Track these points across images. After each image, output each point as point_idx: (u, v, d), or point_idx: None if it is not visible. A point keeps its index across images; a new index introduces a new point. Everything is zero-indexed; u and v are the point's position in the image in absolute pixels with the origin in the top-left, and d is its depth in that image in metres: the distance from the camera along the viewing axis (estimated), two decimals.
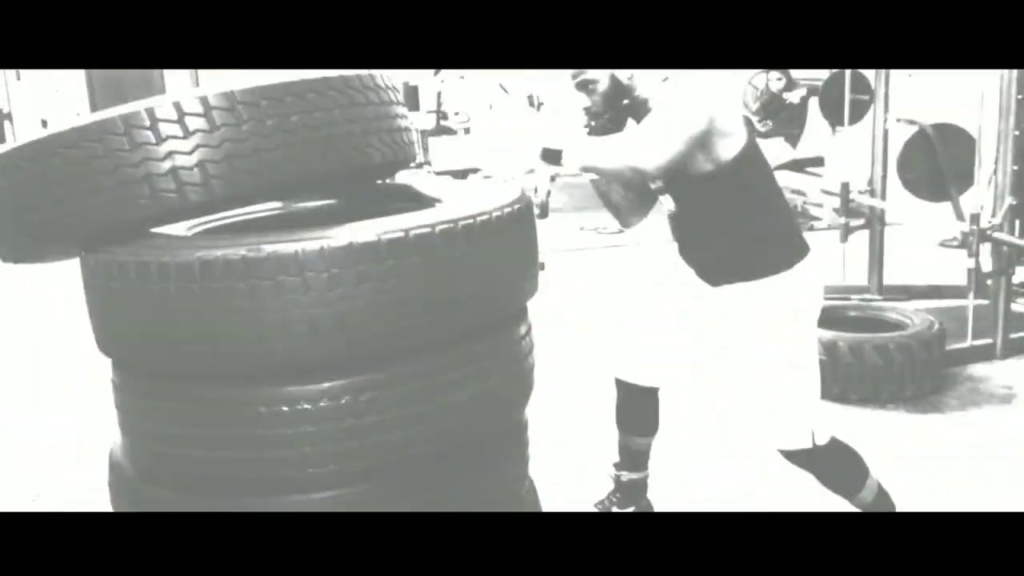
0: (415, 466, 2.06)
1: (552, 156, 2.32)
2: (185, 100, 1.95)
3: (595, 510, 3.05)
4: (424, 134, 9.67)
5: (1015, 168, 4.51)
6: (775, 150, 8.12)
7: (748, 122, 2.45)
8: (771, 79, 8.40)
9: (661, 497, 3.20)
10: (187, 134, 1.93)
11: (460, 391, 2.08)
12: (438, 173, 7.50)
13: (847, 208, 5.56)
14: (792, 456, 2.51)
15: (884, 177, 5.53)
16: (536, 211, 2.39)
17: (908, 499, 2.76)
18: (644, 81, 2.46)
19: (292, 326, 1.86)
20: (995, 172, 4.66)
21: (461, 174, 7.44)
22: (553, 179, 8.80)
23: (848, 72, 5.76)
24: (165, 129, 1.93)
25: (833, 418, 3.81)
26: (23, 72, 12.47)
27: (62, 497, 3.56)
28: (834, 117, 7.41)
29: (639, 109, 2.46)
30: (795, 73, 8.59)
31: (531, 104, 9.29)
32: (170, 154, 1.93)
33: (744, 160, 2.37)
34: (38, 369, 5.11)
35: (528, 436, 2.44)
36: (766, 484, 3.31)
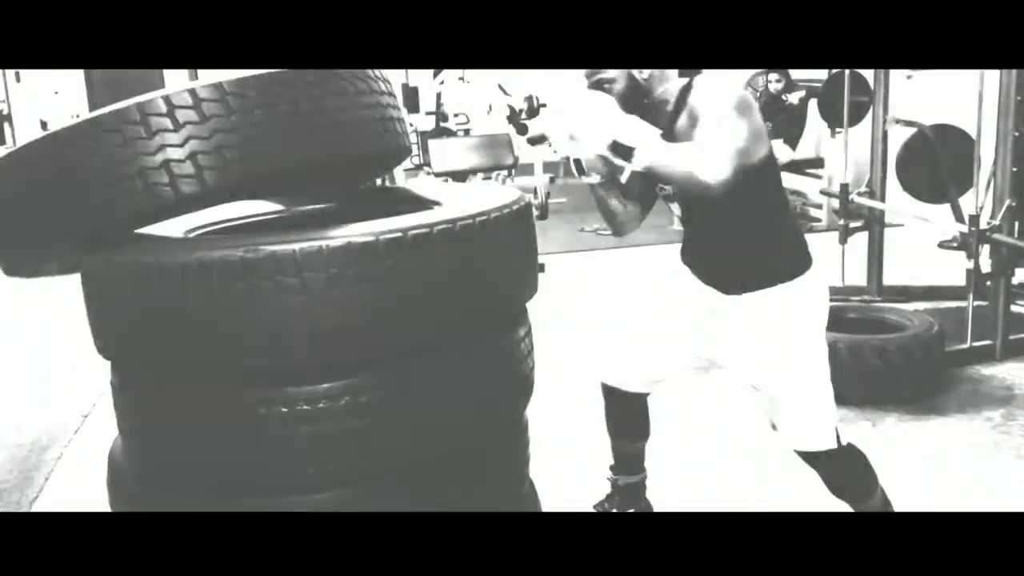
0: (415, 467, 2.06)
1: (623, 152, 2.24)
2: (174, 94, 1.95)
3: (594, 512, 3.05)
4: (424, 135, 9.68)
5: (1014, 169, 4.51)
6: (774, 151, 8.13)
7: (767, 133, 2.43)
8: (770, 80, 8.42)
9: (661, 497, 3.21)
10: (177, 127, 1.93)
11: (460, 392, 2.08)
12: (437, 174, 7.50)
13: (846, 209, 5.57)
14: (814, 458, 2.49)
15: (883, 179, 5.54)
16: (536, 212, 2.38)
17: (908, 499, 2.76)
18: (662, 81, 2.44)
19: (291, 327, 1.86)
20: (994, 173, 4.67)
21: (461, 176, 7.44)
22: (553, 180, 8.82)
23: (847, 73, 5.77)
24: (155, 123, 1.93)
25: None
26: (23, 74, 12.47)
27: (62, 498, 3.56)
28: (833, 119, 7.44)
29: (658, 111, 2.41)
30: (794, 74, 8.61)
31: (532, 105, 9.30)
32: (161, 147, 1.93)
33: (766, 167, 2.37)
34: (39, 369, 5.11)
35: (528, 437, 2.44)
36: (766, 484, 3.32)
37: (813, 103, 8.16)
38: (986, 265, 4.69)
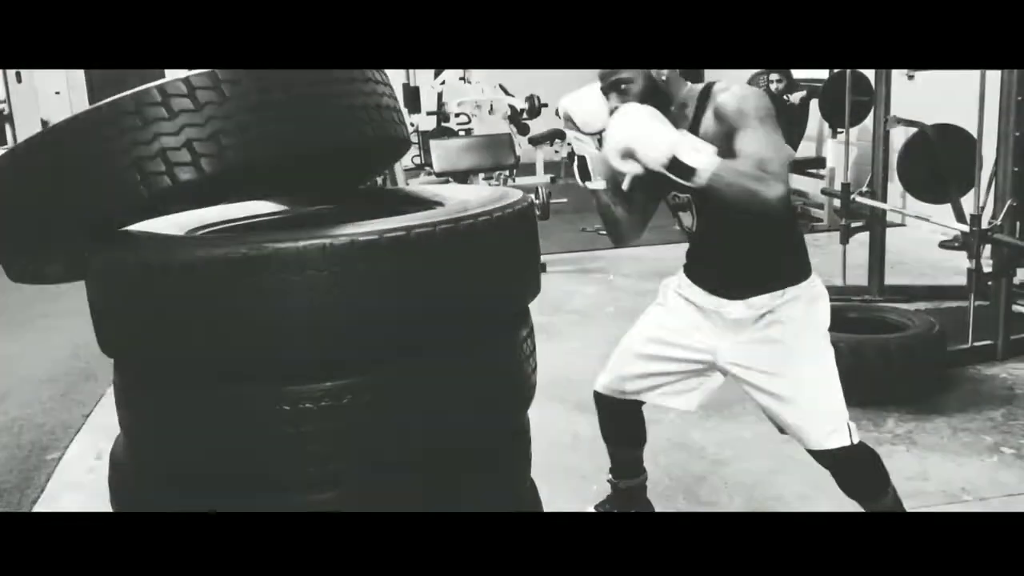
0: (416, 467, 2.06)
1: (683, 171, 2.18)
2: (168, 83, 1.95)
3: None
4: (425, 135, 9.68)
5: (1015, 169, 4.51)
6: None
7: None
8: (772, 80, 8.42)
9: (661, 497, 3.21)
10: (172, 115, 1.93)
11: (462, 391, 2.08)
12: (439, 174, 7.49)
13: (847, 209, 5.57)
14: (828, 456, 2.48)
15: (884, 178, 5.54)
16: (537, 212, 2.37)
17: (908, 500, 2.75)
18: (679, 84, 2.43)
19: (294, 324, 1.86)
20: (995, 173, 4.67)
21: (462, 176, 7.44)
22: (554, 180, 8.82)
23: (849, 73, 5.76)
24: (150, 112, 1.93)
25: None
26: (24, 74, 12.48)
27: (63, 499, 3.56)
28: (834, 119, 7.44)
29: (676, 116, 2.40)
30: (796, 74, 8.61)
31: (533, 106, 9.30)
32: (157, 136, 1.93)
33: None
34: (40, 369, 5.11)
35: (530, 438, 2.44)
36: (767, 484, 3.32)
37: (814, 103, 8.17)
38: (987, 265, 4.69)
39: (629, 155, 2.20)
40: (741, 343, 2.52)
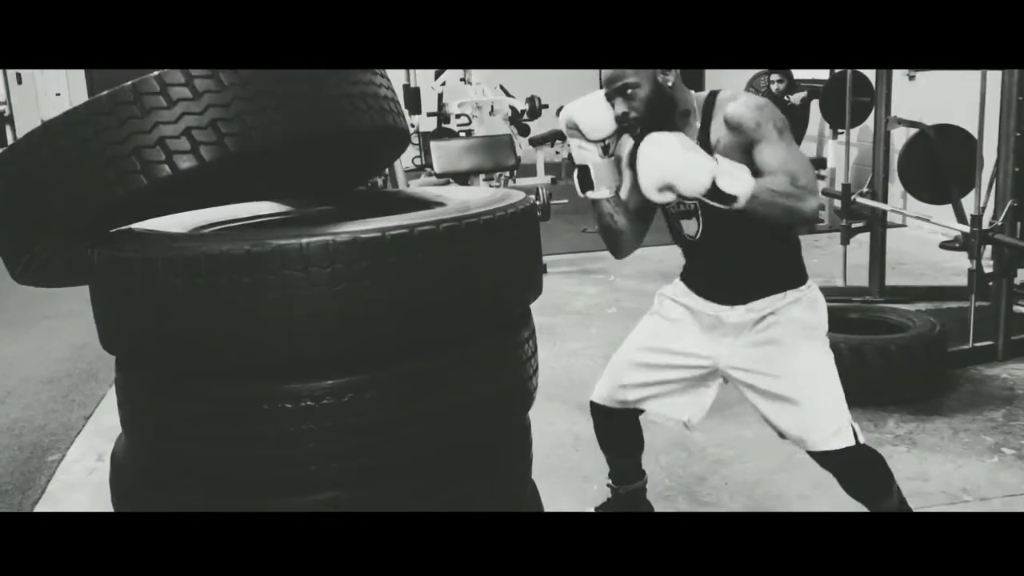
0: (417, 466, 2.06)
1: (722, 198, 2.15)
2: (167, 72, 1.96)
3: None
4: (425, 136, 9.69)
5: (1016, 170, 4.51)
6: None
7: None
8: (772, 81, 8.42)
9: (662, 498, 3.21)
10: (171, 104, 1.94)
11: (464, 391, 2.08)
12: (439, 175, 7.49)
13: (848, 210, 5.57)
14: (830, 458, 2.47)
15: (885, 179, 5.54)
16: (538, 213, 2.37)
17: (908, 501, 2.75)
18: (682, 90, 2.41)
19: (296, 321, 1.87)
20: (996, 174, 4.67)
21: (462, 177, 7.44)
22: (555, 181, 8.82)
23: (849, 74, 5.77)
24: (149, 101, 1.94)
25: None
26: (24, 76, 12.50)
27: (64, 500, 3.56)
28: (835, 119, 7.44)
29: (679, 122, 2.40)
30: (796, 75, 8.61)
31: (534, 107, 9.30)
32: (156, 125, 1.94)
33: None
34: (42, 370, 5.11)
35: (531, 439, 2.44)
36: (768, 484, 3.32)
37: (815, 104, 8.17)
38: (988, 266, 4.69)
39: (668, 188, 2.18)
40: (741, 346, 2.52)
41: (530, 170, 9.25)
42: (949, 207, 5.30)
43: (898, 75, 6.39)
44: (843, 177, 5.75)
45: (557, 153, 9.89)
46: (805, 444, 2.50)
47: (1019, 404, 4.03)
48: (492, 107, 9.56)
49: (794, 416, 2.48)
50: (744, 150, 2.30)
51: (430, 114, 10.31)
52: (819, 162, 8.58)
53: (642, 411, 2.77)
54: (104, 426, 4.12)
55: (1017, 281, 4.85)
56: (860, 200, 5.50)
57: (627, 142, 2.56)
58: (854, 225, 5.57)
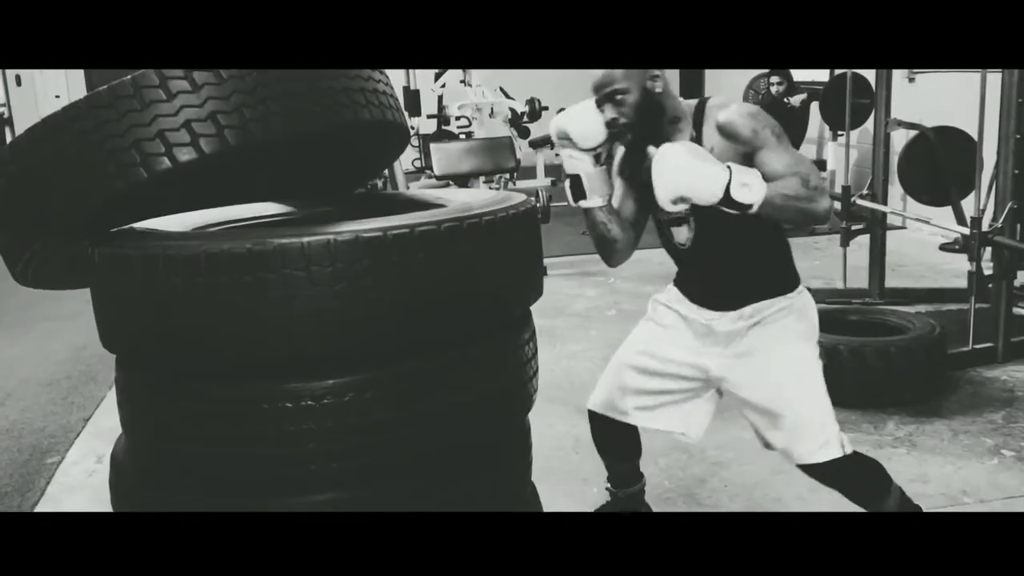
0: (417, 466, 2.06)
1: (737, 206, 2.16)
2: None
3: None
4: (425, 138, 9.69)
5: (1016, 172, 4.51)
6: None
7: None
8: (772, 83, 8.42)
9: (661, 500, 3.21)
10: (170, 96, 1.95)
11: (464, 391, 2.08)
12: (439, 177, 7.49)
13: (848, 212, 5.57)
14: (818, 470, 2.47)
15: (885, 181, 5.54)
16: (538, 215, 2.37)
17: None
18: (670, 96, 2.41)
19: (297, 320, 1.87)
20: (996, 176, 4.67)
21: (463, 179, 7.44)
22: (555, 183, 8.81)
23: (849, 75, 5.77)
24: (148, 95, 1.95)
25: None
26: (24, 78, 12.50)
27: (63, 502, 3.56)
28: (835, 121, 7.45)
29: (668, 129, 2.41)
30: (796, 77, 8.62)
31: (534, 109, 9.30)
32: (156, 118, 1.94)
33: None
34: (42, 372, 5.11)
35: (530, 440, 2.44)
36: (767, 485, 3.31)
37: (815, 106, 8.17)
38: (988, 268, 4.69)
39: (682, 200, 2.19)
40: (729, 357, 2.52)
41: (530, 172, 9.25)
42: (949, 209, 5.30)
43: (898, 77, 6.39)
44: (843, 179, 5.75)
45: (557, 155, 9.86)
46: (791, 457, 2.50)
47: (1019, 406, 4.03)
48: (492, 109, 9.56)
49: (779, 429, 2.48)
50: (742, 157, 2.30)
51: (430, 116, 10.32)
52: (819, 164, 8.58)
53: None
54: (103, 428, 4.12)
55: (1017, 283, 4.85)
56: (860, 202, 5.50)
57: (619, 150, 2.57)
58: (854, 227, 5.57)
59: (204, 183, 2.17)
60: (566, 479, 3.42)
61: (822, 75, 8.67)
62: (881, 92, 5.48)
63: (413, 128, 9.36)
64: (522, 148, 8.84)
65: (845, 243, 5.56)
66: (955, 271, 6.09)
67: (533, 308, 2.35)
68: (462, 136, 9.57)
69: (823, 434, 2.44)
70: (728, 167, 2.17)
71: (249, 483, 1.99)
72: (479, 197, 2.29)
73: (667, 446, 3.61)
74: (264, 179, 2.49)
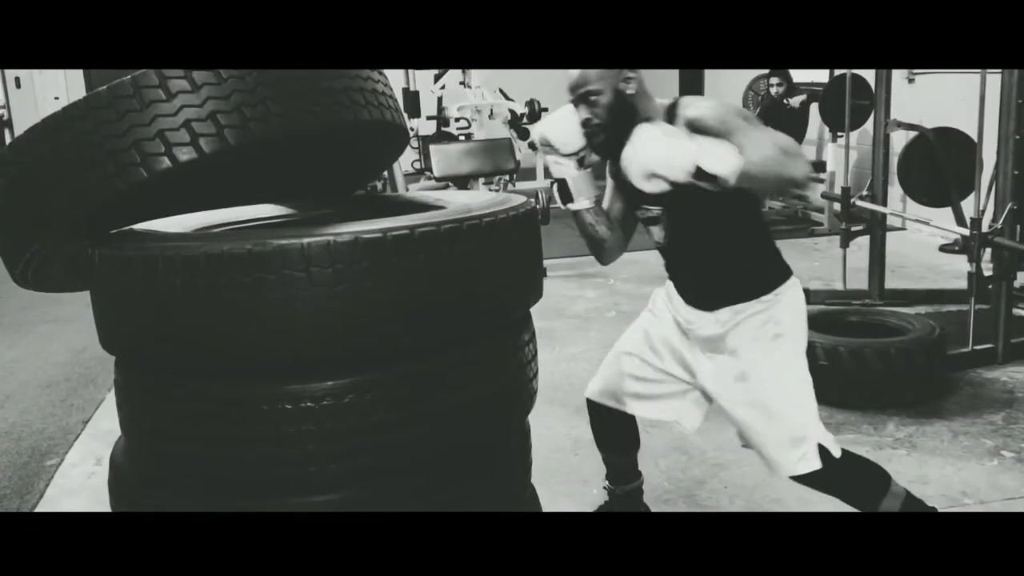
0: (417, 468, 2.06)
1: (710, 179, 2.16)
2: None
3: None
4: (425, 140, 9.68)
5: (1016, 172, 4.51)
6: None
7: None
8: (772, 84, 8.42)
9: (661, 501, 3.20)
10: (170, 96, 1.95)
11: (464, 393, 2.08)
12: (439, 179, 7.49)
13: (848, 213, 5.57)
14: (803, 479, 2.47)
15: (884, 182, 5.54)
16: (538, 217, 2.37)
17: None
18: (646, 99, 2.43)
19: (297, 321, 1.87)
20: (996, 177, 4.66)
21: (462, 180, 7.44)
22: (554, 188, 8.80)
23: (848, 76, 5.77)
24: (148, 95, 1.95)
25: (834, 423, 3.81)
26: (23, 80, 12.50)
27: (62, 504, 3.56)
28: (834, 122, 7.44)
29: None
30: (796, 78, 8.62)
31: (533, 110, 9.29)
32: (155, 118, 1.94)
33: None
34: (41, 374, 5.10)
35: (530, 442, 2.44)
36: (767, 487, 3.31)
37: (814, 107, 8.17)
38: (988, 269, 4.68)
39: (654, 175, 2.19)
40: (708, 363, 2.54)
41: (530, 174, 9.25)
42: (949, 210, 5.30)
43: (897, 78, 6.38)
44: (842, 180, 5.75)
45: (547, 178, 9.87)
46: (773, 470, 2.51)
47: (1019, 407, 4.03)
48: (491, 111, 9.55)
49: (759, 443, 2.50)
50: None
51: (429, 118, 10.31)
52: (819, 165, 8.58)
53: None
54: (103, 430, 4.11)
55: (1017, 284, 4.85)
56: (859, 203, 5.50)
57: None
58: (854, 228, 5.57)
59: (204, 183, 2.16)
60: (566, 480, 3.42)
61: (822, 76, 8.67)
62: (881, 93, 5.47)
63: (413, 129, 9.36)
64: (521, 150, 8.83)
65: (845, 244, 5.56)
66: (955, 272, 6.09)
67: (533, 310, 2.34)
68: (461, 138, 9.56)
69: (799, 449, 2.43)
70: (698, 140, 2.19)
71: (248, 485, 1.99)
72: (479, 199, 2.30)
73: (667, 447, 3.61)
74: (263, 179, 2.49)
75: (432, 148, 7.69)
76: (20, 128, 12.10)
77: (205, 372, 1.98)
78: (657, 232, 2.56)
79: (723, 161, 2.15)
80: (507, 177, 7.89)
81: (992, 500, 3.22)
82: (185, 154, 1.94)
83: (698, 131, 2.30)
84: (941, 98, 6.54)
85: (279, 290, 1.84)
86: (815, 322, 4.22)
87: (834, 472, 2.44)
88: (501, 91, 9.98)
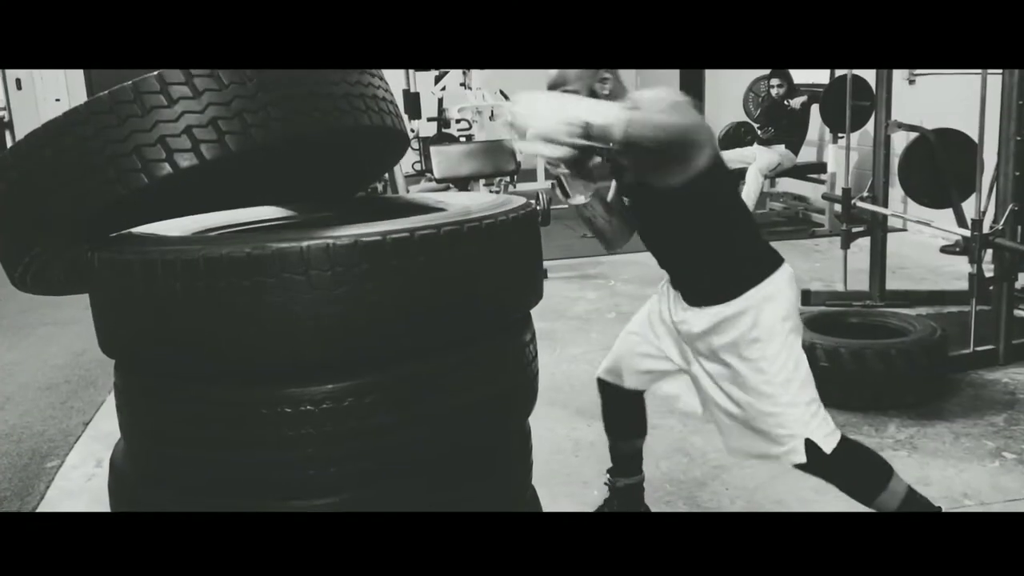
0: (417, 470, 2.05)
1: (600, 133, 2.15)
2: (168, 71, 1.97)
3: None
4: (425, 141, 9.68)
5: (1017, 174, 4.50)
6: (776, 156, 8.13)
7: (712, 136, 2.45)
8: (772, 85, 8.42)
9: (662, 502, 3.20)
10: (171, 102, 1.94)
11: (464, 395, 2.08)
12: (439, 180, 7.48)
13: (848, 214, 5.57)
14: (807, 468, 2.49)
15: (885, 183, 5.53)
16: (539, 218, 2.38)
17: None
18: (619, 98, 2.44)
19: (296, 324, 1.86)
20: (997, 178, 4.66)
21: (463, 182, 7.43)
22: (554, 187, 8.80)
23: (849, 77, 5.76)
24: (149, 100, 1.95)
25: (835, 424, 3.81)
26: (24, 81, 12.49)
27: (63, 507, 3.56)
28: (835, 123, 7.44)
29: None
30: (796, 79, 8.61)
31: None
32: (156, 123, 1.94)
33: (711, 174, 2.39)
34: (41, 376, 5.10)
35: (531, 444, 2.44)
36: (768, 488, 3.31)
37: (815, 108, 8.16)
38: (989, 270, 4.68)
39: (543, 139, 2.19)
40: (697, 368, 2.59)
41: (530, 175, 9.25)
42: (950, 211, 5.29)
43: (898, 79, 6.38)
44: (843, 181, 5.75)
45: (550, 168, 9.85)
46: (773, 459, 2.54)
47: (1020, 408, 4.02)
48: (492, 112, 9.55)
49: (751, 431, 2.53)
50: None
51: (430, 119, 10.30)
52: (819, 166, 8.57)
53: (644, 390, 2.85)
54: (103, 432, 4.11)
55: (1018, 285, 4.85)
56: (860, 204, 5.50)
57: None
58: (854, 229, 5.56)
59: (205, 188, 2.16)
60: (566, 482, 3.41)
61: (822, 77, 8.66)
62: (881, 94, 5.47)
63: (413, 131, 9.35)
64: (522, 151, 8.82)
65: (846, 245, 5.56)
66: (956, 273, 6.08)
67: (533, 311, 2.34)
68: (462, 139, 9.56)
69: (783, 446, 2.47)
70: (592, 100, 2.26)
71: (248, 488, 1.98)
72: (479, 200, 2.29)
73: (668, 449, 3.61)
74: (264, 184, 2.48)
75: (433, 149, 7.68)
76: (21, 129, 12.10)
77: (205, 376, 1.98)
78: (636, 225, 2.62)
79: (606, 114, 2.17)
80: (508, 178, 7.88)
81: (993, 502, 3.21)
82: (186, 160, 1.94)
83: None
84: (942, 99, 6.53)
85: (278, 293, 1.84)
86: (816, 323, 4.23)
87: (824, 465, 2.47)
88: (502, 92, 9.97)
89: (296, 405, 1.90)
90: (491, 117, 9.53)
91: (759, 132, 8.40)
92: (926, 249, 7.05)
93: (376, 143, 2.39)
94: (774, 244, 2.58)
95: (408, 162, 9.93)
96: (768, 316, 2.45)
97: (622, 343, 2.81)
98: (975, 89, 4.47)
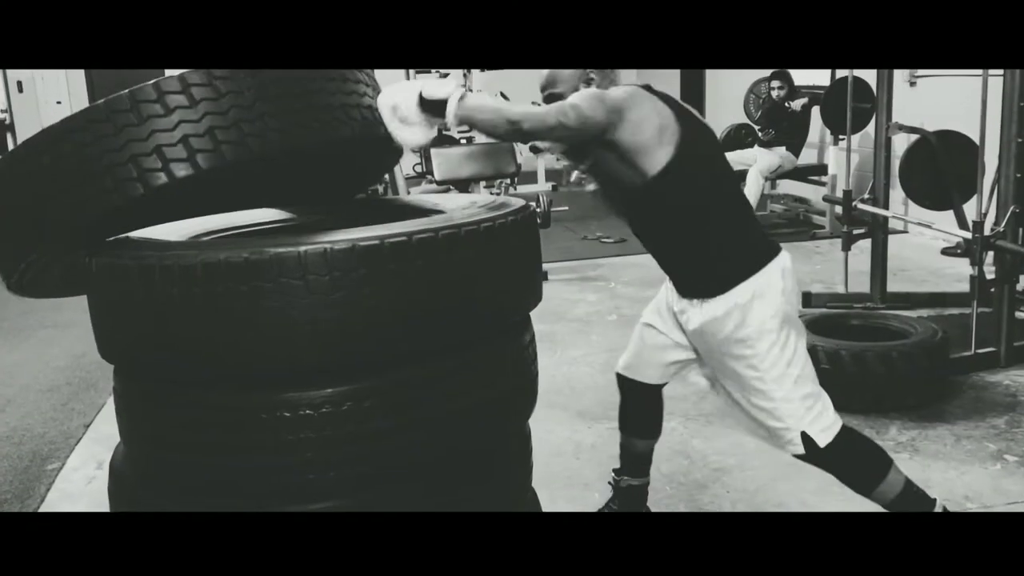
0: (417, 474, 2.05)
1: (433, 106, 2.19)
2: (164, 80, 1.97)
3: None
4: None
5: (1018, 175, 4.50)
6: (777, 158, 8.13)
7: (686, 135, 2.38)
8: (773, 87, 8.41)
9: (663, 505, 3.20)
10: (167, 111, 1.95)
11: (463, 398, 2.07)
12: (440, 183, 7.48)
13: (849, 216, 5.56)
14: (806, 458, 2.51)
15: (886, 185, 5.53)
16: (538, 220, 2.38)
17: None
18: None
19: (294, 329, 1.86)
20: (998, 180, 4.66)
21: (463, 184, 7.43)
22: (555, 188, 8.81)
23: (850, 80, 5.76)
24: (146, 109, 1.95)
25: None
26: (25, 84, 12.50)
27: (63, 509, 3.56)
28: (836, 125, 7.44)
29: None
30: (797, 81, 8.61)
31: None
32: (153, 133, 1.94)
33: (671, 174, 2.36)
34: (42, 379, 5.10)
35: (531, 446, 2.44)
36: (769, 490, 3.30)
37: (816, 110, 8.16)
38: (990, 272, 4.67)
39: (399, 119, 2.20)
40: (690, 343, 2.64)
41: (531, 177, 9.24)
42: (951, 213, 5.29)
43: (899, 81, 6.38)
44: (844, 183, 5.74)
45: (558, 160, 9.85)
46: (777, 447, 2.57)
47: (1022, 411, 4.02)
48: None
49: (752, 422, 2.57)
50: (600, 142, 2.33)
51: None
52: (820, 168, 8.57)
53: (663, 383, 2.85)
54: (103, 434, 4.11)
55: (1019, 287, 4.84)
56: (861, 206, 5.49)
57: None
58: (855, 231, 5.55)
59: (201, 197, 2.16)
60: (567, 484, 3.41)
61: (823, 79, 8.66)
62: (882, 96, 5.46)
63: None
64: (523, 153, 8.82)
65: (846, 247, 5.55)
66: (957, 275, 6.08)
67: (533, 313, 2.34)
68: (463, 141, 9.55)
69: (786, 435, 2.49)
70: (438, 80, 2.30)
71: (247, 492, 1.98)
72: (478, 203, 2.29)
73: (669, 452, 3.61)
74: (261, 192, 2.48)
75: (433, 152, 7.68)
76: (22, 131, 12.11)
77: (203, 380, 1.97)
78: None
79: (442, 88, 2.19)
80: (508, 181, 7.88)
81: (995, 504, 3.21)
82: (182, 170, 1.94)
83: None
84: (943, 101, 6.53)
85: (276, 298, 1.84)
86: (817, 325, 4.23)
87: (821, 457, 2.49)
88: (502, 94, 9.97)
89: (295, 409, 1.90)
90: None
91: (760, 134, 8.40)
92: (927, 251, 7.05)
93: (373, 152, 2.39)
94: None
95: (409, 164, 9.93)
96: (757, 314, 2.44)
97: (639, 336, 2.81)
98: (976, 91, 4.46)
